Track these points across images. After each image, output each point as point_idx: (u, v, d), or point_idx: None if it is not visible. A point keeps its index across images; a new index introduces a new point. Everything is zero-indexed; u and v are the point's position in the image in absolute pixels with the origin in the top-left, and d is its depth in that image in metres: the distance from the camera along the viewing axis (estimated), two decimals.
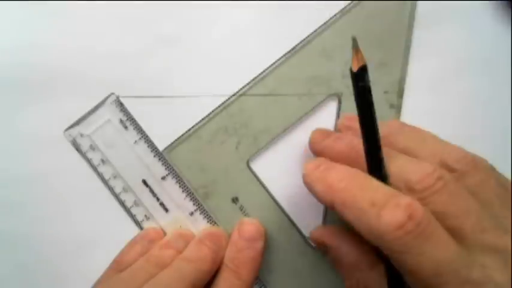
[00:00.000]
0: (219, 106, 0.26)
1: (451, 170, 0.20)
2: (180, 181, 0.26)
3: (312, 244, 0.26)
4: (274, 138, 0.26)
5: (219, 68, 0.26)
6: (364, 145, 0.20)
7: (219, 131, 0.26)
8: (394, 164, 0.20)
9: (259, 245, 0.24)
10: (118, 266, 0.24)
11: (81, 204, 0.26)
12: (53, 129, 0.26)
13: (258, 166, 0.26)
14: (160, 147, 0.26)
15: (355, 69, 0.18)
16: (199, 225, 0.26)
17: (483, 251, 0.18)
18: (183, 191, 0.26)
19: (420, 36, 0.26)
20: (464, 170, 0.20)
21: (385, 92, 0.26)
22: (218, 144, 0.26)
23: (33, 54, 0.26)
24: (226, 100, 0.26)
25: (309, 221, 0.26)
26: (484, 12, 0.26)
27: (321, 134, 0.24)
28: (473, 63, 0.26)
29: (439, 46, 0.26)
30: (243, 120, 0.26)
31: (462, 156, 0.20)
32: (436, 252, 0.17)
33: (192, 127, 0.26)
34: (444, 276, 0.17)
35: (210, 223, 0.26)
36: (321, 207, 0.26)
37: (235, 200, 0.26)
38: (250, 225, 0.25)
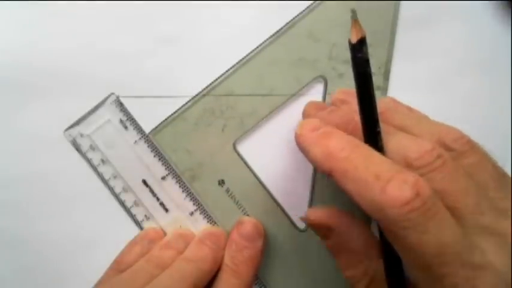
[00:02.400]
0: (205, 88, 0.26)
1: (448, 149, 0.19)
2: (180, 181, 0.26)
3: (299, 226, 0.26)
4: (260, 121, 0.26)
5: (219, 68, 0.26)
6: (360, 117, 0.19)
7: (205, 113, 0.26)
8: (392, 140, 0.19)
9: (259, 244, 0.24)
10: (118, 267, 0.24)
11: (81, 204, 0.26)
12: (53, 129, 0.26)
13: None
14: (147, 130, 0.26)
15: (354, 40, 0.18)
16: (199, 225, 0.26)
17: (481, 233, 0.17)
18: (183, 191, 0.26)
19: (420, 36, 0.26)
20: (461, 150, 0.19)
21: (372, 74, 0.25)
22: (204, 126, 0.26)
23: (33, 54, 0.26)
24: (213, 82, 0.26)
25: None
26: (484, 12, 0.26)
27: (315, 106, 0.23)
28: (473, 63, 0.26)
29: (439, 46, 0.26)
30: (229, 103, 0.26)
31: (460, 136, 0.20)
32: (440, 232, 0.16)
33: (178, 109, 0.26)
34: (446, 257, 0.16)
35: (210, 223, 0.26)
36: (308, 189, 0.26)
37: (221, 182, 0.26)
38: (249, 225, 0.25)
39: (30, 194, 0.26)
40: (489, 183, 0.19)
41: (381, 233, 0.19)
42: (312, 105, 0.24)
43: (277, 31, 0.26)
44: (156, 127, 0.26)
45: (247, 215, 0.26)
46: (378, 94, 0.26)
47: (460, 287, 0.16)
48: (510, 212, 0.18)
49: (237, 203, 0.26)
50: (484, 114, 0.27)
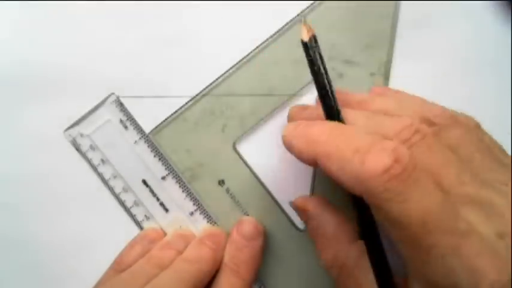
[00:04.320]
0: (205, 88, 0.26)
1: (430, 124, 0.19)
2: (180, 181, 0.26)
3: (299, 226, 0.26)
4: (260, 121, 0.26)
5: (219, 68, 0.26)
6: (322, 108, 0.20)
7: (205, 113, 0.26)
8: (371, 121, 0.19)
9: (259, 243, 0.24)
10: (118, 267, 0.24)
11: (81, 204, 0.26)
12: (53, 129, 0.26)
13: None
14: (147, 130, 0.26)
15: (305, 39, 0.20)
16: (199, 225, 0.26)
17: (464, 202, 0.17)
18: (183, 191, 0.26)
19: (420, 36, 0.26)
20: (443, 124, 0.19)
21: (372, 74, 0.26)
22: (204, 126, 0.26)
23: (33, 54, 0.26)
24: (213, 82, 0.26)
25: None
26: (484, 12, 0.26)
27: (298, 108, 0.24)
28: (474, 63, 0.26)
29: (439, 46, 0.26)
30: (229, 103, 0.26)
31: (441, 111, 0.20)
32: (422, 199, 0.16)
33: (178, 109, 0.26)
34: (430, 225, 0.16)
35: (210, 223, 0.26)
36: (307, 190, 0.26)
37: (221, 182, 0.26)
38: (248, 224, 0.25)
39: (30, 194, 0.26)
40: (474, 155, 0.19)
41: (360, 213, 0.20)
42: (296, 107, 0.25)
43: (277, 31, 0.26)
44: (156, 127, 0.26)
45: (247, 215, 0.26)
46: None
47: (448, 257, 0.16)
48: (496, 183, 0.18)
49: (237, 202, 0.26)
50: (485, 114, 0.26)
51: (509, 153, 0.26)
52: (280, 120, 0.26)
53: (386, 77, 0.26)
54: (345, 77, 0.26)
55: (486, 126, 0.26)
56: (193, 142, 0.26)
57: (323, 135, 0.19)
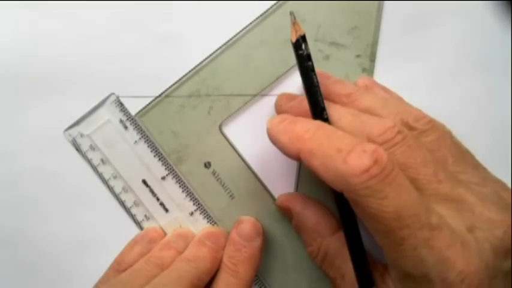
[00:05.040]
0: (191, 70, 0.26)
1: (410, 128, 0.21)
2: (180, 181, 0.26)
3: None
4: (246, 103, 0.26)
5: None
6: (309, 105, 0.21)
7: (191, 95, 0.26)
8: (356, 120, 0.21)
9: (258, 243, 0.24)
10: (119, 267, 0.24)
11: (80, 204, 0.26)
12: (53, 129, 0.26)
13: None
14: (133, 112, 0.26)
15: (294, 39, 0.21)
16: (199, 225, 0.26)
17: (439, 200, 0.19)
18: (183, 191, 0.26)
19: (420, 36, 0.26)
20: (422, 128, 0.21)
21: (357, 56, 0.26)
22: (190, 108, 0.26)
23: (33, 54, 0.26)
24: (199, 64, 0.26)
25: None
26: (484, 12, 0.26)
27: (286, 97, 0.25)
28: (474, 63, 0.26)
29: (439, 46, 0.26)
30: (215, 84, 0.26)
31: (422, 117, 0.21)
32: (398, 196, 0.17)
33: (164, 91, 0.26)
34: (405, 220, 0.17)
35: (210, 223, 0.26)
36: (294, 172, 0.26)
37: (207, 164, 0.26)
38: (247, 224, 0.25)
39: (29, 194, 0.26)
40: (448, 158, 0.21)
41: (340, 207, 0.21)
42: (283, 96, 0.25)
43: (263, 13, 0.26)
44: (143, 109, 0.26)
45: (233, 198, 0.26)
46: (364, 76, 0.26)
47: (419, 248, 0.17)
48: (468, 183, 0.20)
49: (223, 185, 0.26)
50: (484, 114, 0.27)
51: (510, 152, 0.26)
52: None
53: (372, 59, 0.26)
54: (331, 59, 0.26)
55: (486, 126, 0.26)
56: (179, 124, 0.26)
57: (308, 132, 0.20)
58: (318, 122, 0.21)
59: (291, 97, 0.25)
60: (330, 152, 0.18)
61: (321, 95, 0.21)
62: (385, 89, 0.25)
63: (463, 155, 0.21)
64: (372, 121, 0.21)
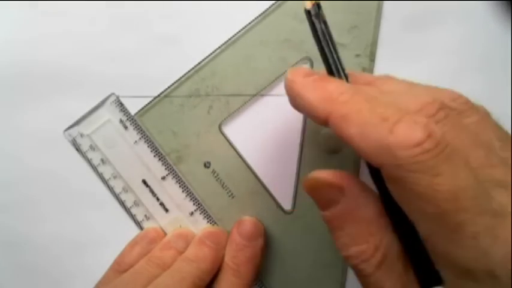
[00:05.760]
0: (190, 70, 0.26)
1: (446, 107, 0.18)
2: (180, 181, 0.26)
3: (285, 208, 0.26)
4: (246, 102, 0.26)
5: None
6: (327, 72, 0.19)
7: (191, 95, 0.26)
8: (387, 97, 0.18)
9: (259, 243, 0.24)
10: (119, 267, 0.24)
11: (81, 204, 0.26)
12: (53, 129, 0.26)
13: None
14: (132, 112, 0.26)
15: (308, 7, 0.19)
16: (199, 225, 0.26)
17: (494, 186, 0.16)
18: (183, 191, 0.26)
19: (420, 36, 0.26)
20: (461, 108, 0.18)
21: (357, 55, 0.26)
22: (190, 108, 0.26)
23: (32, 54, 0.26)
24: (198, 63, 0.26)
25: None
26: (484, 12, 0.26)
27: (304, 72, 0.19)
28: (473, 64, 0.26)
29: (439, 46, 0.26)
30: (215, 84, 0.26)
31: (458, 96, 0.18)
32: (455, 174, 0.15)
33: (164, 91, 0.26)
34: (462, 202, 0.15)
35: (210, 223, 0.26)
36: (294, 172, 0.26)
37: (207, 164, 0.26)
38: (249, 224, 0.25)
39: (29, 194, 0.26)
40: (494, 142, 0.17)
41: (381, 187, 0.17)
42: (296, 72, 0.19)
43: (263, 12, 0.26)
44: (142, 109, 0.26)
45: (233, 197, 0.26)
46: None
47: (481, 237, 0.15)
48: None
49: (223, 184, 0.26)
50: None
51: None
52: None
53: (371, 58, 0.26)
54: None
55: None
56: (179, 124, 0.26)
57: (343, 95, 0.17)
58: (355, 86, 0.18)
59: (308, 73, 0.19)
60: (371, 120, 0.16)
61: (343, 67, 0.19)
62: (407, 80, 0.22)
63: (508, 138, 0.18)
64: (406, 96, 0.18)
